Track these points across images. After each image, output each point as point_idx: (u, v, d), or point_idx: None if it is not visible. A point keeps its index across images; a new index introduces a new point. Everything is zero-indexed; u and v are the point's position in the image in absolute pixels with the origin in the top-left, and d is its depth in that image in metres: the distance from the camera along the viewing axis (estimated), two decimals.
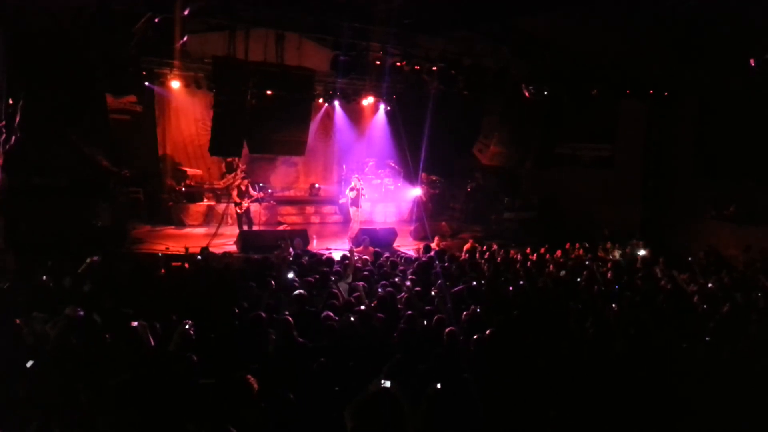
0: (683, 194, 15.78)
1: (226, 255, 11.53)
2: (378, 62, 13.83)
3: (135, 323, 5.49)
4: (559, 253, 12.11)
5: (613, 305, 7.76)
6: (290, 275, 8.19)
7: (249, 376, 4.31)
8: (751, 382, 5.43)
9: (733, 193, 14.60)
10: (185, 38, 10.40)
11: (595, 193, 17.13)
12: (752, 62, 11.47)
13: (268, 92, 13.52)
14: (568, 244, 12.73)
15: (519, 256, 11.76)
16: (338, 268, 9.58)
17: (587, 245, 12.76)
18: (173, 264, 9.99)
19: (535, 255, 11.67)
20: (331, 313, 6.65)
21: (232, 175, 16.52)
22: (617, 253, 12.54)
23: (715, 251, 12.85)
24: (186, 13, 9.75)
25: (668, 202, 16.15)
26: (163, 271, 9.34)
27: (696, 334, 6.83)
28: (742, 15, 10.44)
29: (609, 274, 10.47)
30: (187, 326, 5.56)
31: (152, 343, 5.50)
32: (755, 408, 4.97)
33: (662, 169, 16.42)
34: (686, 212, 15.52)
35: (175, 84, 14.62)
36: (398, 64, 13.66)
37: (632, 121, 16.91)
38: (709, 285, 9.55)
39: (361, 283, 8.28)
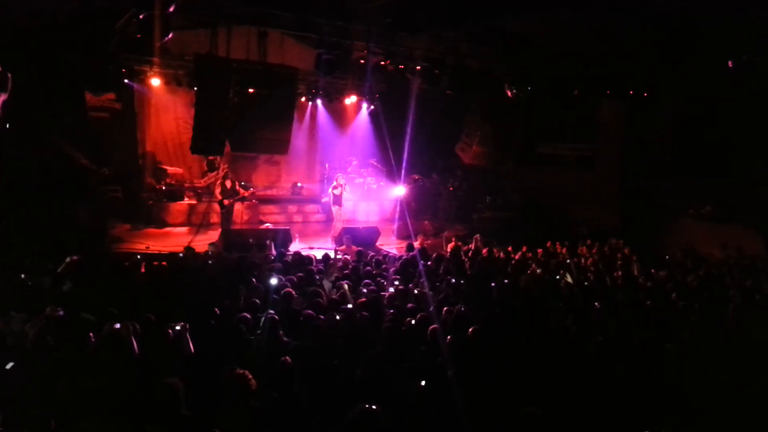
0: (662, 193, 16.00)
1: (208, 254, 11.43)
2: (362, 61, 13.82)
3: (118, 325, 5.41)
4: (540, 251, 12.22)
5: (596, 303, 7.85)
6: (275, 280, 8.13)
7: (246, 372, 4.27)
8: (730, 376, 5.54)
9: (711, 192, 14.84)
10: (170, 35, 10.28)
11: (576, 192, 17.31)
12: (730, 63, 11.68)
13: (251, 90, 13.45)
14: (549, 242, 12.84)
15: (501, 255, 11.84)
16: (321, 267, 9.59)
17: (568, 244, 12.89)
18: (154, 263, 9.90)
19: (519, 254, 11.75)
20: (313, 312, 6.64)
21: (214, 173, 16.39)
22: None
23: (692, 249, 13.05)
24: (171, 9, 9.62)
25: (647, 201, 16.38)
26: (143, 270, 9.27)
27: (675, 330, 6.94)
28: (721, 17, 10.62)
29: (589, 273, 10.60)
30: (178, 327, 5.49)
31: (135, 346, 5.42)
32: (734, 401, 5.07)
33: (641, 169, 16.63)
34: (665, 211, 15.75)
35: (155, 81, 14.46)
36: (382, 63, 13.66)
37: (612, 122, 17.11)
38: (688, 282, 9.72)
39: (345, 282, 8.29)
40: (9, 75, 9.15)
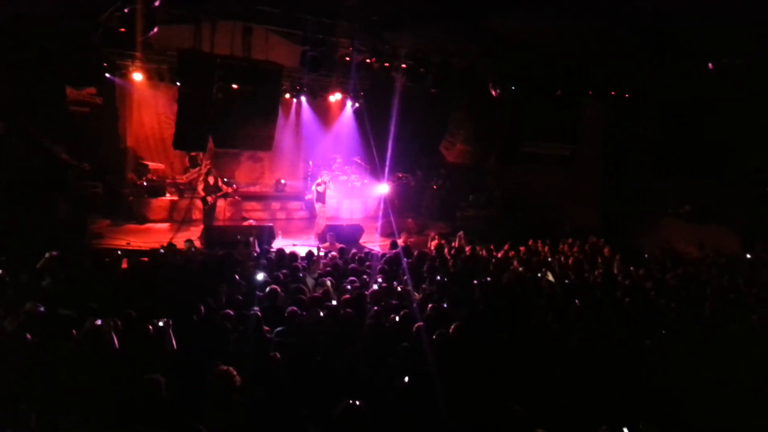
0: (641, 193, 16.22)
1: (190, 251, 11.35)
2: (347, 59, 13.81)
3: (99, 321, 5.36)
4: (522, 249, 12.32)
5: (576, 301, 7.94)
6: (260, 276, 8.11)
7: (231, 369, 4.27)
8: (708, 372, 5.65)
9: (689, 192, 15.08)
10: (155, 29, 10.16)
11: (557, 191, 17.47)
12: (710, 66, 11.88)
13: (235, 86, 13.37)
14: (531, 241, 12.95)
15: (484, 253, 11.92)
16: (304, 264, 9.59)
17: (549, 242, 13.01)
18: (134, 259, 9.82)
19: (501, 252, 11.84)
20: (297, 309, 6.64)
21: (196, 169, 16.28)
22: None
23: (670, 248, 13.25)
24: (156, 3, 9.52)
25: (627, 200, 16.59)
26: (124, 266, 9.19)
27: (654, 327, 7.05)
28: (702, 20, 10.78)
29: (570, 271, 10.71)
30: (161, 323, 5.45)
31: (116, 342, 5.37)
32: (713, 396, 5.17)
33: (621, 168, 16.85)
34: (644, 210, 15.97)
35: (138, 76, 14.30)
36: (367, 60, 13.66)
37: (593, 121, 17.31)
38: (666, 280, 9.87)
39: (328, 279, 8.29)
40: None
